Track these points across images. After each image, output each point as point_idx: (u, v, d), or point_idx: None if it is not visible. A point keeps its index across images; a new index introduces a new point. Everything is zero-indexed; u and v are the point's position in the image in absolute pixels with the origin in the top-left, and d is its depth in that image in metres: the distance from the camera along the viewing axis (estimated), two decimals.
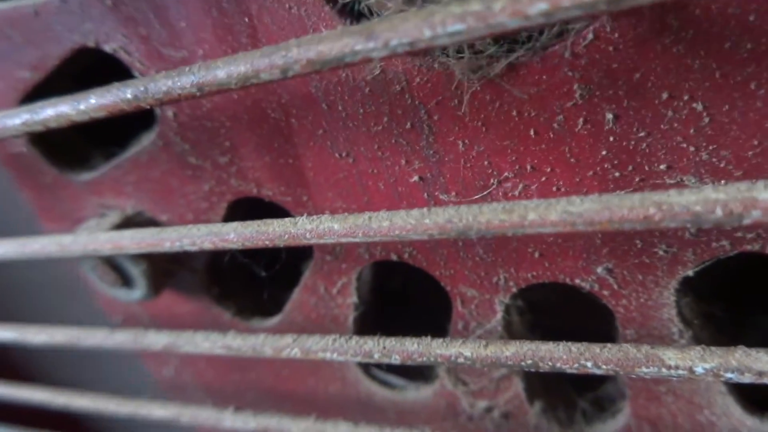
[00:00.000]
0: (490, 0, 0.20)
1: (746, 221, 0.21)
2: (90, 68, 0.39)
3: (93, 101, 0.29)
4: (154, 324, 0.50)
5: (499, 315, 0.37)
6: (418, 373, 0.45)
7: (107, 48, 0.34)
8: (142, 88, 0.27)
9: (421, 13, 0.21)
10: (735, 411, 0.34)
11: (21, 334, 0.47)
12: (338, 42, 0.22)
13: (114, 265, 0.42)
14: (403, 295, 0.49)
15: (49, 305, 0.64)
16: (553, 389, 0.42)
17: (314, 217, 0.29)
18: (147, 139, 0.38)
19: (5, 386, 0.55)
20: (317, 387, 0.48)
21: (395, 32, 0.21)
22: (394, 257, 0.36)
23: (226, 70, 0.25)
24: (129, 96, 0.28)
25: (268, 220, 0.31)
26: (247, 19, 0.30)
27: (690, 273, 0.30)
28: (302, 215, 0.37)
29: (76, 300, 0.62)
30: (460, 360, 0.31)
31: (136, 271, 0.41)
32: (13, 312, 0.66)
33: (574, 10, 0.19)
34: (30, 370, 0.72)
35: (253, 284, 0.46)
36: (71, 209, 0.44)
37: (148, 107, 0.28)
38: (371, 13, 0.26)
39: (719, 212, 0.21)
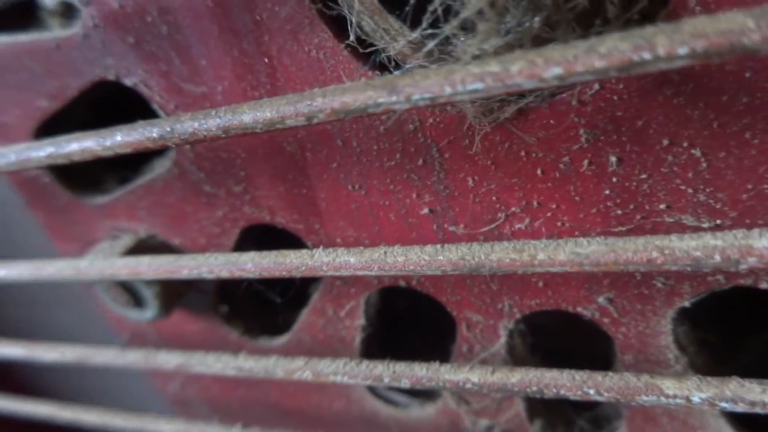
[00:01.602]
0: (508, 62, 0.21)
1: (743, 267, 0.23)
2: (107, 95, 0.40)
3: (119, 138, 0.30)
4: (162, 342, 0.51)
5: (503, 339, 0.38)
6: (422, 391, 0.46)
7: (127, 82, 0.35)
8: (168, 129, 0.28)
9: (442, 71, 0.22)
10: None
11: (31, 352, 0.48)
12: (362, 94, 0.24)
13: (127, 287, 0.43)
14: (407, 317, 0.51)
15: (55, 320, 0.64)
16: (552, 408, 0.43)
17: (331, 250, 0.31)
18: (162, 166, 0.39)
19: (9, 400, 0.56)
20: (322, 404, 0.49)
21: (417, 88, 0.23)
22: (402, 283, 0.38)
23: (252, 115, 0.26)
24: (155, 135, 0.29)
25: (285, 252, 0.32)
26: (266, 60, 0.31)
27: (686, 304, 0.32)
28: (314, 242, 0.38)
29: (81, 315, 0.63)
30: (468, 386, 0.33)
31: (148, 293, 0.42)
32: (16, 327, 0.67)
33: (586, 75, 0.20)
34: (35, 379, 0.72)
35: (261, 305, 0.47)
36: (84, 231, 0.45)
37: (173, 146, 0.29)
38: (390, 62, 0.28)
39: (717, 258, 0.23)
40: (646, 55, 0.19)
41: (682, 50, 0.19)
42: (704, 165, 0.27)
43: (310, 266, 0.31)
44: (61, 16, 0.37)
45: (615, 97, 0.26)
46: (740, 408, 0.28)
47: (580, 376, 0.31)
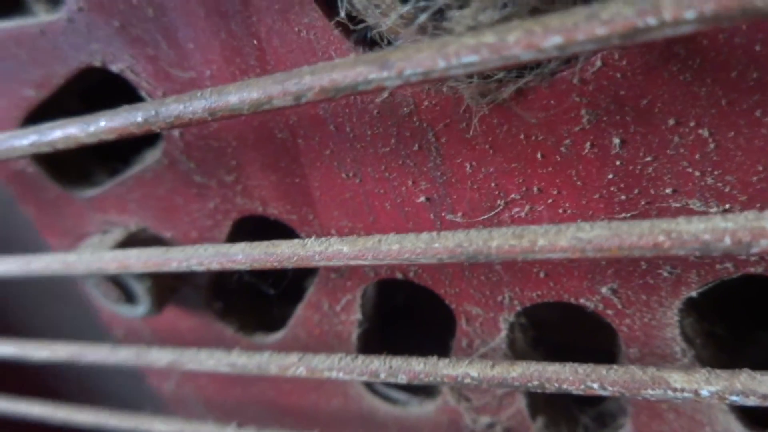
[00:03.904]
0: (504, 32, 0.20)
1: (754, 250, 0.22)
2: (96, 86, 0.39)
3: (103, 124, 0.29)
4: (156, 338, 0.50)
5: (504, 333, 0.37)
6: (421, 388, 0.45)
7: (114, 68, 0.34)
8: (153, 112, 0.27)
9: (435, 44, 0.21)
10: (736, 428, 0.34)
11: (22, 350, 0.47)
12: (352, 70, 0.23)
13: (118, 282, 0.42)
14: (405, 311, 0.50)
15: (49, 316, 0.63)
16: (555, 405, 0.42)
17: (323, 239, 0.30)
18: (152, 158, 0.38)
19: (2, 400, 0.55)
20: (319, 402, 0.48)
21: (409, 62, 0.22)
22: (399, 276, 0.37)
23: (239, 95, 0.25)
24: (139, 119, 0.28)
25: (277, 242, 0.31)
26: (255, 42, 0.30)
27: (694, 294, 0.30)
28: (307, 234, 0.37)
29: (75, 311, 0.62)
30: (467, 380, 0.32)
31: (140, 288, 0.41)
32: (11, 323, 0.66)
33: (588, 44, 0.19)
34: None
35: (255, 300, 0.46)
36: (74, 225, 0.44)
37: (159, 131, 0.28)
38: (382, 40, 0.27)
39: (728, 241, 0.22)
40: (651, 21, 0.18)
41: (690, 14, 0.18)
42: (712, 146, 0.26)
43: (302, 256, 0.30)
44: (47, 1, 0.36)
45: (618, 75, 0.25)
46: (751, 401, 0.27)
47: (583, 369, 0.30)
